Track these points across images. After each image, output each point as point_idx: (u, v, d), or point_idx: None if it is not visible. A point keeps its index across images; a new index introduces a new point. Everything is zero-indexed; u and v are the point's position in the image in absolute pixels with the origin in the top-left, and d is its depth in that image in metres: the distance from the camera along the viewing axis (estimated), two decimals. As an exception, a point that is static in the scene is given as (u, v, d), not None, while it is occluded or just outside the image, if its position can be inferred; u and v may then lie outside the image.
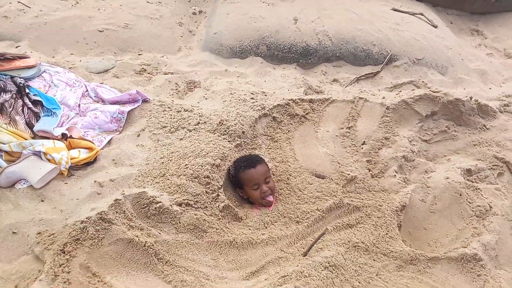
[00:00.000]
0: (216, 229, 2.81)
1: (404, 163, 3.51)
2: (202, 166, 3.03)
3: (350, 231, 2.94)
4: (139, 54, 4.87)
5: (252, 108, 3.72)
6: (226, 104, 3.82)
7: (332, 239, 2.84)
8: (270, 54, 4.83)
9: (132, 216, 2.67)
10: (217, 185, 3.01)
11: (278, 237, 2.85)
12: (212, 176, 3.02)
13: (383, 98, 4.09)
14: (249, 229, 2.92)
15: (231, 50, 4.89)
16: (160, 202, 2.73)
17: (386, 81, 4.61)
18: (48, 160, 3.11)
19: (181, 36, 5.20)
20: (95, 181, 2.97)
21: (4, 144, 3.24)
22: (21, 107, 3.71)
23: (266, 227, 2.95)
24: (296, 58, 4.79)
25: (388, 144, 3.65)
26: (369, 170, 3.43)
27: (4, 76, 3.95)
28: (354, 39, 4.81)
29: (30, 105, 3.74)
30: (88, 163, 3.24)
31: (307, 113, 3.89)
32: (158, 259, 2.54)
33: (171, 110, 3.78)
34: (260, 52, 4.82)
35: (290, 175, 3.26)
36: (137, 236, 2.54)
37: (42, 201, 2.90)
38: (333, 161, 3.42)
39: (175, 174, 2.99)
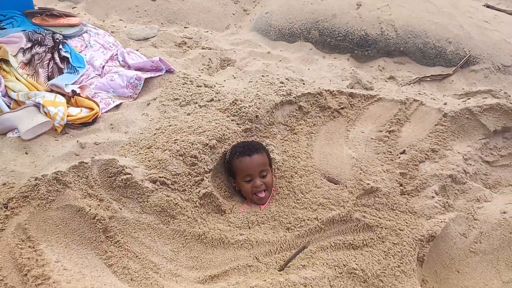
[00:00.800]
0: (188, 218, 2.40)
1: (449, 184, 2.74)
2: (192, 144, 2.63)
3: (351, 253, 2.32)
4: (184, 27, 4.64)
5: (276, 92, 3.23)
6: (250, 85, 3.38)
7: (323, 258, 2.25)
8: (322, 41, 4.27)
9: (95, 183, 2.37)
10: (204, 168, 2.59)
11: (257, 242, 2.34)
12: (201, 157, 2.61)
13: (445, 104, 3.31)
14: (229, 225, 2.46)
15: (279, 32, 4.42)
16: (130, 174, 2.39)
17: (457, 87, 3.78)
18: (45, 113, 2.97)
19: (233, 14, 4.86)
20: (77, 141, 2.74)
21: (14, 92, 3.19)
22: (47, 61, 3.67)
23: (249, 227, 2.46)
24: (351, 48, 4.16)
25: (434, 158, 2.90)
26: (400, 185, 2.73)
27: (45, 31, 3.97)
28: (426, 33, 4.03)
29: (57, 60, 3.69)
30: (85, 124, 3.04)
31: (342, 108, 3.28)
32: (106, 236, 2.20)
33: (192, 84, 3.45)
34: (310, 37, 4.28)
35: (296, 173, 2.71)
36: (90, 206, 2.23)
37: (26, 153, 2.75)
38: (355, 166, 2.79)
39: (161, 148, 2.63)
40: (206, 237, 2.34)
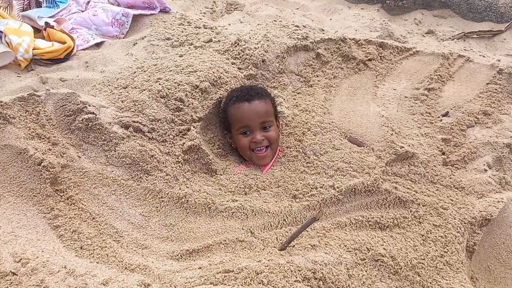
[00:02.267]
0: (166, 175, 1.84)
1: (507, 155, 2.13)
2: (178, 84, 2.06)
3: (377, 234, 1.75)
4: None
5: (289, 35, 2.63)
6: (259, 27, 2.77)
7: (340, 238, 1.69)
8: (348, -12, 3.62)
9: (47, 122, 1.82)
10: (192, 116, 2.03)
11: (253, 211, 1.78)
12: (188, 101, 2.04)
13: (498, 61, 2.67)
14: (219, 189, 1.90)
15: (298, -23, 3.78)
16: (94, 114, 1.84)
17: (510, 46, 3.11)
18: (7, 44, 2.42)
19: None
20: (38, 75, 2.20)
21: (-24, 21, 2.65)
22: (23, -8, 3.13)
23: (245, 193, 1.90)
24: (383, -3, 3.51)
25: (487, 122, 2.29)
26: (443, 153, 2.14)
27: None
28: (474, -18, 3.35)
29: (35, -8, 3.13)
30: (56, 60, 2.49)
31: (370, 59, 2.67)
32: (55, 190, 1.67)
33: (189, 25, 2.87)
34: (335, -16, 3.64)
35: (309, 130, 2.13)
36: (36, 150, 1.69)
37: (-22, 88, 2.21)
38: (385, 125, 2.19)
39: (138, 87, 2.07)
40: (187, 200, 1.79)
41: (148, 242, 1.65)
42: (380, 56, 2.73)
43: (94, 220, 1.65)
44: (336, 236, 1.72)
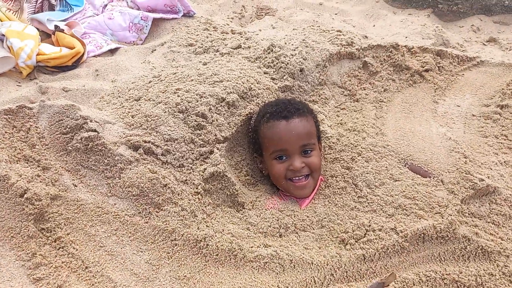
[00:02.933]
0: (182, 210, 1.46)
1: None
2: (200, 97, 1.70)
3: (457, 297, 1.31)
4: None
5: (331, 41, 2.24)
6: (295, 32, 2.40)
7: (409, 304, 1.26)
8: (393, -8, 3.22)
9: (39, 141, 1.48)
10: (216, 135, 1.65)
11: (292, 261, 1.37)
12: (212, 116, 1.67)
13: None
14: (247, 228, 1.50)
15: (336, -20, 3.40)
16: (95, 131, 1.49)
17: None
18: (8, 48, 2.13)
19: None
20: (36, 83, 1.88)
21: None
22: (37, -5, 2.87)
23: (280, 235, 1.50)
24: (433, 1, 3.09)
25: None
26: (530, 188, 1.68)
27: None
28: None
29: (49, -5, 2.87)
30: (63, 68, 2.18)
31: (426, 70, 2.24)
32: (40, 229, 1.31)
33: (215, 30, 2.52)
34: (378, -13, 3.25)
35: (359, 155, 1.71)
36: (20, 176, 1.35)
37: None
38: (455, 150, 1.75)
39: (153, 100, 1.71)
40: (207, 245, 1.40)
41: (156, 301, 1.27)
42: (438, 67, 2.30)
43: (87, 271, 1.28)
44: (402, 300, 1.29)
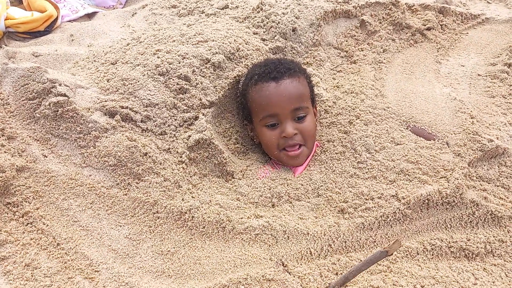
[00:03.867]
0: (165, 180, 1.34)
1: None
2: (182, 58, 1.54)
3: (464, 266, 1.22)
4: None
5: (326, -2, 2.07)
6: (287, -9, 2.22)
7: (412, 273, 1.16)
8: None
9: (3, 108, 1.34)
10: (200, 99, 1.51)
11: (286, 232, 1.26)
12: (196, 80, 1.52)
13: None
14: (237, 199, 1.38)
15: None
16: (65, 96, 1.34)
17: None
18: (-26, 13, 1.95)
19: None
20: (2, 47, 1.71)
21: None
22: (6, -42, 2.65)
23: (273, 205, 1.38)
24: (434, -42, 2.87)
25: None
26: (541, 149, 1.56)
27: None
28: None
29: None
30: (34, 33, 2.00)
31: (428, 29, 2.09)
32: (5, 204, 1.19)
33: (202, -9, 2.34)
34: None
35: (357, 118, 1.58)
36: (-20, 147, 1.21)
37: None
38: (461, 111, 1.62)
39: (130, 62, 1.56)
40: (193, 217, 1.27)
41: (136, 279, 1.15)
42: (440, 25, 2.14)
43: (58, 248, 1.16)
44: (406, 271, 1.18)
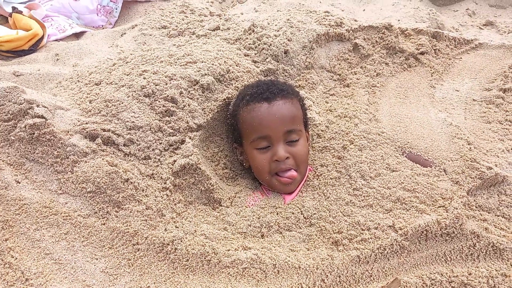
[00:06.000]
0: (147, 208, 1.25)
1: None
2: (170, 79, 1.48)
3: (469, 304, 1.13)
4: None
5: (318, 21, 2.04)
6: (279, 13, 2.20)
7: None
8: (383, -25, 3.03)
9: (-26, 130, 1.25)
10: (187, 122, 1.44)
11: (276, 265, 1.17)
12: (183, 101, 1.45)
13: None
14: (224, 228, 1.30)
15: (323, -37, 3.21)
16: (43, 118, 1.26)
17: None
18: (-45, 31, 1.89)
19: None
20: (-19, 67, 1.64)
21: None
22: (-6, -24, 2.61)
23: (261, 236, 1.29)
24: (426, -16, 2.91)
25: None
26: (541, 177, 1.50)
27: None
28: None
29: (9, -23, 2.62)
30: (18, 52, 1.94)
31: (422, 53, 2.06)
32: (-30, 234, 1.08)
33: (193, 13, 2.31)
34: (367, -30, 3.06)
35: (351, 143, 1.52)
36: None
37: None
38: (458, 137, 1.57)
39: (115, 83, 1.49)
40: (176, 249, 1.18)
41: (111, 319, 1.05)
42: (434, 50, 2.12)
43: (27, 284, 1.06)
44: (405, 309, 1.09)
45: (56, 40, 2.09)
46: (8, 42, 1.89)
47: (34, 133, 1.25)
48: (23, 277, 1.06)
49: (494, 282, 1.20)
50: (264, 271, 1.16)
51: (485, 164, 1.42)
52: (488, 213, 1.36)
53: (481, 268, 1.23)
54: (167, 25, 2.14)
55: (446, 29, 2.54)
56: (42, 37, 1.99)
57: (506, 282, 1.22)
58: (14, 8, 2.15)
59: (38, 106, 1.27)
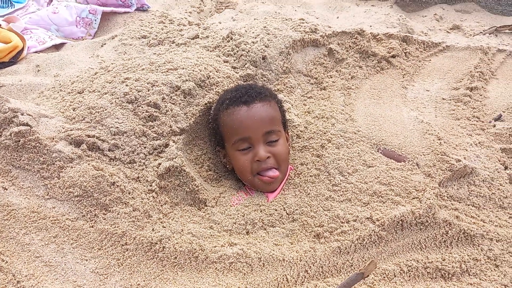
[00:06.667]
0: (134, 210, 1.28)
1: None
2: (152, 85, 1.53)
3: (441, 285, 1.20)
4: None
5: (294, 28, 2.12)
6: (256, 22, 2.27)
7: (392, 298, 1.13)
8: (355, -17, 3.17)
9: (-41, 140, 1.27)
10: (170, 127, 1.48)
11: (261, 259, 1.22)
12: (166, 107, 1.50)
13: (547, 54, 2.19)
14: (210, 227, 1.34)
15: (297, -27, 3.32)
16: (28, 125, 1.29)
17: (548, 42, 2.63)
18: None
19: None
20: (-37, 79, 1.65)
21: None
22: (-29, -9, 2.62)
23: (246, 232, 1.34)
24: (395, -8, 3.05)
25: (555, 126, 1.77)
26: (506, 167, 1.60)
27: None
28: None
29: (-14, -8, 2.63)
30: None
31: (393, 56, 2.17)
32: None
33: (171, 23, 2.36)
34: (339, -21, 3.19)
35: (329, 141, 1.59)
36: None
37: None
38: (429, 133, 1.66)
39: (98, 91, 1.53)
40: (164, 247, 1.22)
41: (102, 317, 1.07)
42: (404, 53, 2.23)
43: (19, 286, 1.08)
44: (384, 295, 1.16)
45: (36, 52, 2.11)
46: (-13, 54, 1.91)
47: (19, 141, 1.27)
48: (15, 279, 1.08)
49: (466, 266, 1.28)
50: (250, 265, 1.21)
51: (454, 157, 1.51)
52: (459, 202, 1.45)
53: (454, 253, 1.30)
54: (147, 35, 2.19)
55: (416, 33, 2.67)
56: (22, 49, 2.01)
57: (477, 266, 1.29)
58: (-7, 21, 2.16)
59: (22, 114, 1.30)
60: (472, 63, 2.17)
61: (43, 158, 1.28)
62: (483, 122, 1.84)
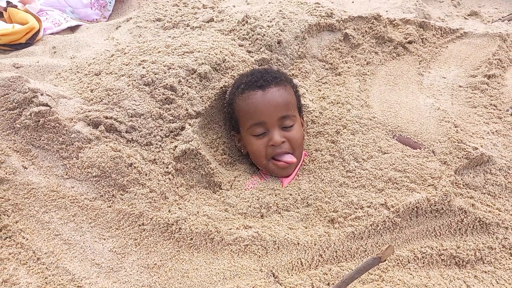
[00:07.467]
0: (150, 191, 1.30)
1: None
2: (168, 68, 1.53)
3: (455, 274, 1.21)
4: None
5: (309, 12, 2.10)
6: (271, 5, 2.25)
7: (405, 282, 1.15)
8: (371, -32, 3.09)
9: (-20, 119, 1.29)
10: (186, 110, 1.49)
11: (276, 242, 1.23)
12: (182, 90, 1.50)
13: None
14: (226, 210, 1.35)
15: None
16: (47, 106, 1.30)
17: None
18: (-48, 24, 1.90)
19: None
20: (-19, 59, 1.67)
21: None
22: (-14, -29, 2.62)
23: (261, 216, 1.35)
24: (412, -24, 2.97)
25: None
26: (523, 157, 1.59)
27: None
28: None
29: (1, -28, 2.62)
30: (15, 46, 1.96)
31: (410, 42, 2.14)
32: (-19, 217, 1.12)
33: (186, 6, 2.35)
34: (355, -37, 3.12)
35: (344, 127, 1.58)
36: (-44, 158, 1.16)
37: None
38: (445, 121, 1.64)
39: (115, 73, 1.53)
40: (180, 228, 1.24)
41: (121, 294, 1.10)
42: (421, 39, 2.20)
43: (39, 262, 1.10)
44: (398, 279, 1.17)
45: (52, 33, 2.12)
46: (5, 35, 1.92)
47: (39, 121, 1.29)
48: (35, 256, 1.11)
49: (481, 254, 1.28)
50: (265, 248, 1.22)
51: (471, 145, 1.50)
52: (475, 190, 1.44)
53: (469, 241, 1.30)
54: (162, 18, 2.18)
55: (433, 19, 2.62)
56: (38, 31, 2.02)
57: (492, 255, 1.30)
58: (8, 3, 2.17)
59: (42, 94, 1.31)
60: (490, 50, 2.13)
61: (62, 139, 1.30)
62: (500, 110, 1.81)
